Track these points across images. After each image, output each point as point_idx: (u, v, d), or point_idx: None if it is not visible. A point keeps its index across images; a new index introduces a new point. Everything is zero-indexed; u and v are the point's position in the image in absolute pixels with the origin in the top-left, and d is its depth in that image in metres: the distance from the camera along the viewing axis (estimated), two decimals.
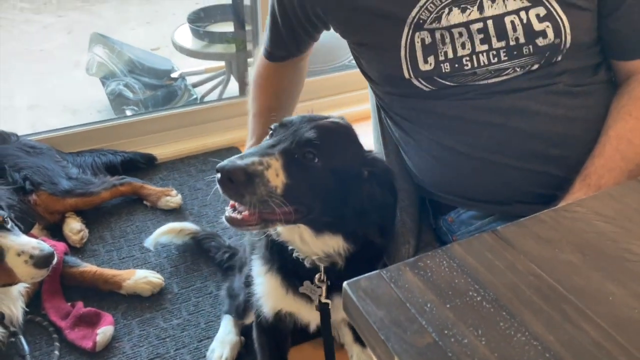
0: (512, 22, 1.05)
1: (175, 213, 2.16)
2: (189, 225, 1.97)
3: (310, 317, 1.24)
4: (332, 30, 1.28)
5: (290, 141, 0.98)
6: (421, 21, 1.08)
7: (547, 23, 1.05)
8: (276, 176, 0.94)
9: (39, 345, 1.64)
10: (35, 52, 3.81)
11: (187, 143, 2.48)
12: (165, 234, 1.93)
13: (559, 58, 1.08)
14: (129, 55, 2.78)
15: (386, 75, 1.17)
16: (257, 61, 1.48)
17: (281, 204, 0.95)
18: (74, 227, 2.01)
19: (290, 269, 1.15)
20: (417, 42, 1.09)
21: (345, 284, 0.64)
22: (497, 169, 1.12)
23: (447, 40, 1.07)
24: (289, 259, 1.13)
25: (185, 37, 2.84)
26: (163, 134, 2.48)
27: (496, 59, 1.07)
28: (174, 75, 3.03)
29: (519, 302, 0.62)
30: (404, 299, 0.62)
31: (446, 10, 1.07)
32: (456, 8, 1.06)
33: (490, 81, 1.09)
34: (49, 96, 3.33)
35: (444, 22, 1.07)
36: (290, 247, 1.12)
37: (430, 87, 1.12)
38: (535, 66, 1.08)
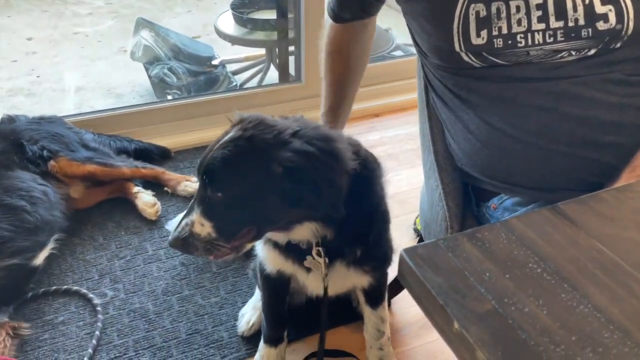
0: (573, 2, 1.02)
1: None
2: None
3: (308, 281, 1.28)
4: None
5: (200, 186, 1.06)
6: None
7: (610, 7, 1.02)
8: (202, 226, 1.05)
9: (83, 315, 1.69)
10: (82, 36, 3.91)
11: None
12: None
13: (618, 45, 1.04)
14: (173, 40, 2.82)
15: (436, 46, 1.15)
16: (325, 27, 1.47)
17: (224, 242, 1.06)
18: (149, 200, 2.06)
19: (287, 246, 1.20)
20: (472, 14, 1.06)
21: (402, 251, 0.64)
22: (546, 154, 1.10)
23: (503, 14, 1.05)
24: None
25: (228, 23, 2.86)
26: (196, 120, 2.50)
27: (552, 39, 1.04)
28: (214, 62, 3.06)
29: (581, 275, 0.61)
30: (462, 267, 0.61)
31: None
32: None
33: (543, 62, 1.06)
34: (95, 79, 3.41)
35: None
36: None
37: (479, 63, 1.10)
38: (592, 51, 1.05)
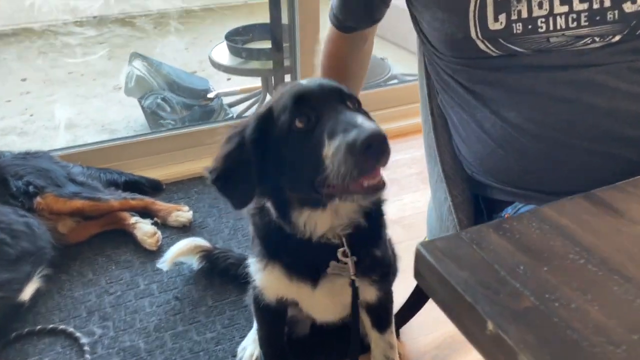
0: None
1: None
2: (203, 242, 1.87)
3: (313, 302, 1.19)
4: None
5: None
6: None
7: None
8: None
9: (69, 356, 1.57)
10: (77, 75, 3.89)
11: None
12: (183, 252, 1.83)
13: None
14: (167, 72, 2.78)
15: (450, 35, 1.06)
16: (324, 42, 1.40)
17: None
18: (148, 230, 1.96)
19: (297, 257, 1.09)
20: None
21: (418, 245, 0.54)
22: (567, 152, 1.00)
23: None
24: (295, 247, 1.06)
25: (223, 54, 2.83)
26: (189, 150, 2.43)
27: (575, 23, 0.96)
28: (210, 95, 3.02)
29: (633, 265, 0.51)
30: (490, 260, 0.52)
31: None
32: None
33: (564, 49, 0.98)
34: (89, 116, 3.36)
35: None
36: (299, 235, 1.03)
37: (496, 51, 1.01)
38: (617, 37, 0.97)
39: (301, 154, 0.92)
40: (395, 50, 4.14)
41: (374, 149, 0.82)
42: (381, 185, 0.89)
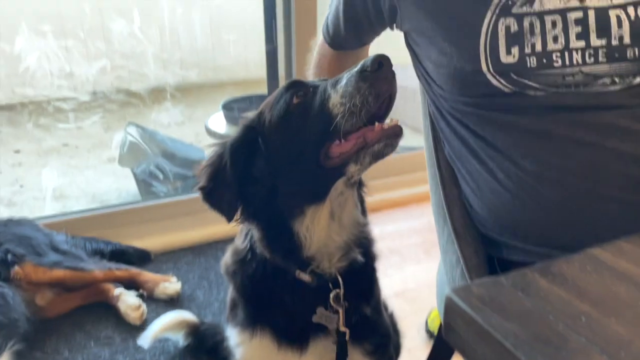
0: (618, 17, 0.89)
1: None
2: (190, 316, 1.72)
3: None
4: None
5: None
6: (510, 2, 0.93)
7: None
8: None
9: None
10: (72, 148, 3.86)
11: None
12: (168, 327, 1.68)
13: None
14: (161, 139, 2.74)
15: (458, 69, 0.98)
16: (314, 53, 1.33)
17: None
18: (132, 303, 1.82)
19: (286, 310, 0.99)
20: (501, 30, 0.92)
21: (449, 292, 0.43)
22: (592, 202, 0.91)
23: (537, 30, 0.91)
24: (284, 294, 0.98)
25: (219, 123, 2.81)
26: (181, 219, 2.33)
27: (592, 59, 0.90)
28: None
29: None
30: (543, 309, 0.41)
31: None
32: None
33: (582, 89, 0.91)
34: (80, 187, 3.30)
35: (536, 6, 0.91)
36: (289, 278, 0.96)
37: (509, 86, 0.94)
38: (638, 79, 0.90)
39: (303, 126, 0.89)
40: None
41: (385, 67, 0.83)
42: (399, 127, 0.86)
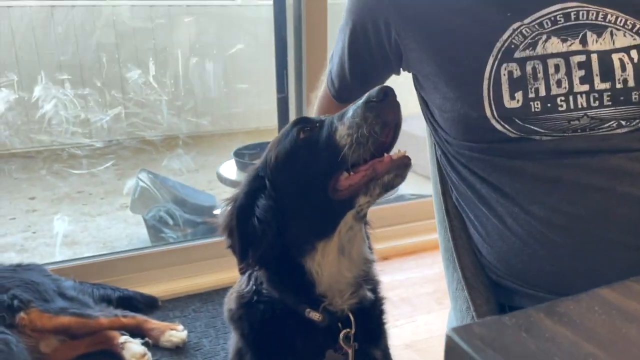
0: (621, 60, 0.88)
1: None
2: None
3: None
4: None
5: None
6: (512, 46, 0.92)
7: None
8: None
9: None
10: (86, 194, 3.90)
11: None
12: None
13: None
14: (171, 185, 2.76)
15: (463, 115, 0.98)
16: (319, 100, 1.32)
17: None
18: (137, 351, 1.79)
19: (294, 357, 0.97)
20: (504, 75, 0.92)
21: (449, 331, 0.42)
22: (604, 247, 0.88)
23: (540, 74, 0.90)
24: (294, 338, 0.96)
25: (231, 170, 2.84)
26: (189, 265, 2.32)
27: (597, 102, 0.89)
28: (216, 212, 2.97)
29: None
30: (548, 351, 0.39)
31: (544, 37, 0.91)
32: (555, 37, 0.91)
33: (588, 133, 0.90)
34: (91, 234, 3.32)
35: (539, 50, 0.91)
36: (296, 319, 0.95)
37: (514, 132, 0.93)
38: None
39: (310, 160, 0.89)
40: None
41: (390, 97, 0.85)
42: (407, 158, 0.86)
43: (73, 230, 3.38)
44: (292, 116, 2.55)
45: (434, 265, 2.52)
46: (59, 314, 1.80)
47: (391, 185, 0.87)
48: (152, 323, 1.97)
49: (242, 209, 0.94)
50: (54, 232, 3.36)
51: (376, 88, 0.85)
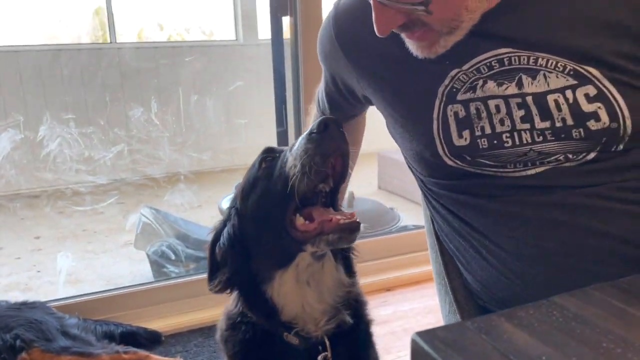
0: (556, 101, 0.89)
1: None
2: None
3: None
4: None
5: None
6: (454, 90, 0.95)
7: (599, 104, 0.88)
8: None
9: None
10: (90, 232, 3.94)
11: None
12: None
13: (621, 147, 0.89)
14: (173, 220, 2.79)
15: (420, 153, 1.01)
16: (312, 117, 1.35)
17: None
18: None
19: None
20: (450, 116, 0.95)
21: (414, 335, 0.44)
22: (575, 277, 0.89)
23: (484, 114, 0.93)
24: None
25: None
26: (192, 300, 2.32)
27: (541, 137, 0.90)
28: None
29: None
30: (505, 351, 0.41)
31: (480, 82, 0.93)
32: (491, 81, 0.93)
33: (539, 170, 0.91)
34: (96, 272, 3.34)
35: (479, 93, 0.93)
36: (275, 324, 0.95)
37: (468, 168, 0.95)
38: (592, 155, 0.89)
39: (267, 189, 0.91)
40: (404, 202, 4.19)
41: (331, 128, 0.86)
42: (355, 224, 0.87)
43: (77, 267, 3.40)
44: None
45: (437, 295, 2.52)
46: (60, 354, 1.80)
47: (336, 244, 0.90)
48: (154, 358, 1.97)
49: (217, 235, 0.99)
50: (59, 272, 3.38)
51: (318, 120, 0.88)
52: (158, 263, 2.64)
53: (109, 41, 4.68)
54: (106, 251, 3.65)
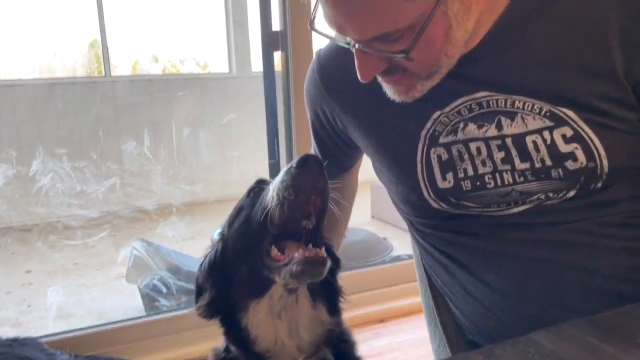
0: (534, 142, 0.91)
1: None
2: None
3: None
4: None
5: None
6: (436, 133, 0.97)
7: (576, 145, 0.90)
8: None
9: None
10: (82, 266, 3.92)
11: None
12: None
13: (599, 185, 0.91)
14: (165, 253, 2.79)
15: (406, 196, 1.03)
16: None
17: None
18: None
19: None
20: (433, 159, 0.97)
21: None
22: (559, 314, 0.90)
23: (466, 156, 0.95)
24: None
25: None
26: (184, 334, 2.30)
27: (522, 178, 0.92)
28: None
29: None
30: None
31: (461, 124, 0.96)
32: (472, 123, 0.95)
33: (521, 208, 0.94)
34: (86, 306, 3.31)
35: (460, 135, 0.96)
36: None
37: (453, 210, 0.97)
38: (572, 193, 0.91)
39: (249, 216, 0.92)
40: (397, 231, 4.20)
41: (309, 164, 0.87)
42: (320, 258, 0.87)
43: (68, 302, 3.37)
44: None
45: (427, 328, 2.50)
46: None
47: (300, 277, 0.89)
48: None
49: (203, 260, 1.00)
50: (49, 306, 3.35)
51: (300, 156, 0.90)
52: (150, 296, 2.62)
53: (103, 74, 4.74)
54: (97, 285, 3.63)
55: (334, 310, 1.00)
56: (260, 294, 0.93)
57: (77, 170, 3.88)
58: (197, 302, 0.99)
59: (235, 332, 0.95)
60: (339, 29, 0.88)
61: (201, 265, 1.01)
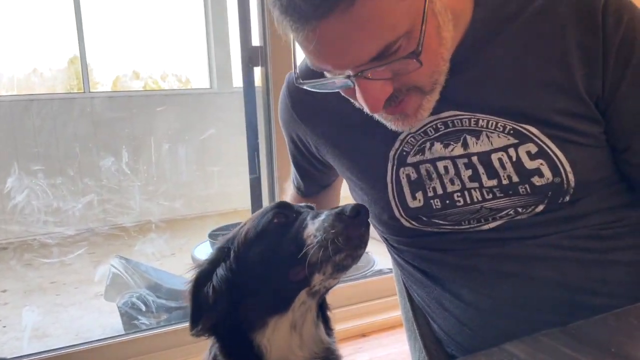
0: (500, 160, 0.92)
1: None
2: None
3: None
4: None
5: None
6: (404, 153, 0.98)
7: (541, 160, 0.91)
8: None
9: None
10: (60, 284, 3.85)
11: None
12: None
13: (567, 199, 0.92)
14: (144, 270, 2.75)
15: (378, 215, 1.03)
16: (290, 196, 1.33)
17: None
18: None
19: None
20: (403, 178, 0.98)
21: None
22: (531, 327, 0.90)
23: (434, 175, 0.96)
24: None
25: (206, 252, 2.83)
26: (166, 352, 2.26)
27: (490, 195, 0.93)
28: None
29: None
30: None
31: (428, 144, 0.97)
32: (438, 143, 0.96)
33: (492, 225, 0.94)
34: (64, 325, 3.24)
35: (427, 155, 0.97)
36: None
37: (424, 228, 0.98)
38: (540, 207, 0.92)
39: (277, 246, 0.90)
40: (378, 245, 4.20)
41: (362, 216, 0.87)
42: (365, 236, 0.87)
43: (44, 322, 3.30)
44: (265, 196, 2.60)
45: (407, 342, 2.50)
46: None
47: (343, 266, 0.88)
48: None
49: (202, 274, 0.95)
50: (25, 327, 3.27)
51: (353, 204, 0.89)
52: (129, 315, 2.57)
53: (82, 90, 4.70)
54: (75, 304, 3.56)
55: (329, 329, 1.00)
56: (283, 310, 0.91)
57: (54, 187, 3.82)
58: (195, 320, 0.95)
59: (239, 349, 0.94)
60: (335, 66, 0.84)
61: (201, 280, 0.96)
